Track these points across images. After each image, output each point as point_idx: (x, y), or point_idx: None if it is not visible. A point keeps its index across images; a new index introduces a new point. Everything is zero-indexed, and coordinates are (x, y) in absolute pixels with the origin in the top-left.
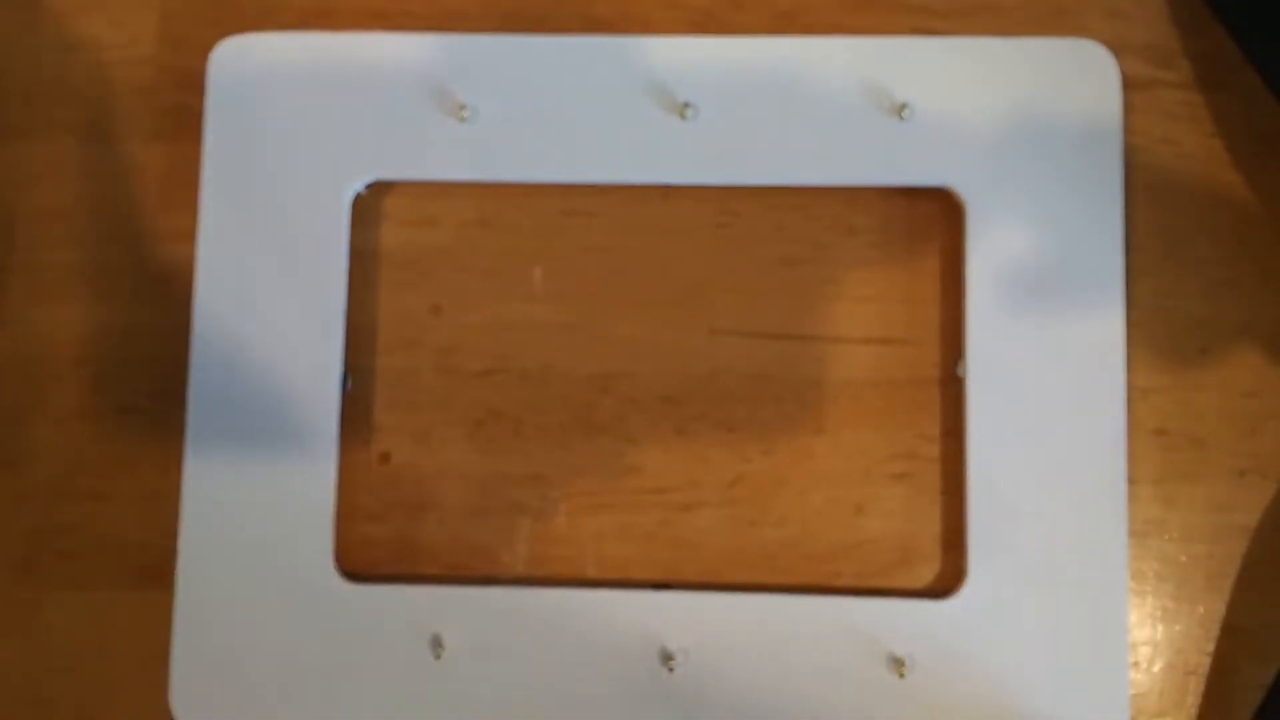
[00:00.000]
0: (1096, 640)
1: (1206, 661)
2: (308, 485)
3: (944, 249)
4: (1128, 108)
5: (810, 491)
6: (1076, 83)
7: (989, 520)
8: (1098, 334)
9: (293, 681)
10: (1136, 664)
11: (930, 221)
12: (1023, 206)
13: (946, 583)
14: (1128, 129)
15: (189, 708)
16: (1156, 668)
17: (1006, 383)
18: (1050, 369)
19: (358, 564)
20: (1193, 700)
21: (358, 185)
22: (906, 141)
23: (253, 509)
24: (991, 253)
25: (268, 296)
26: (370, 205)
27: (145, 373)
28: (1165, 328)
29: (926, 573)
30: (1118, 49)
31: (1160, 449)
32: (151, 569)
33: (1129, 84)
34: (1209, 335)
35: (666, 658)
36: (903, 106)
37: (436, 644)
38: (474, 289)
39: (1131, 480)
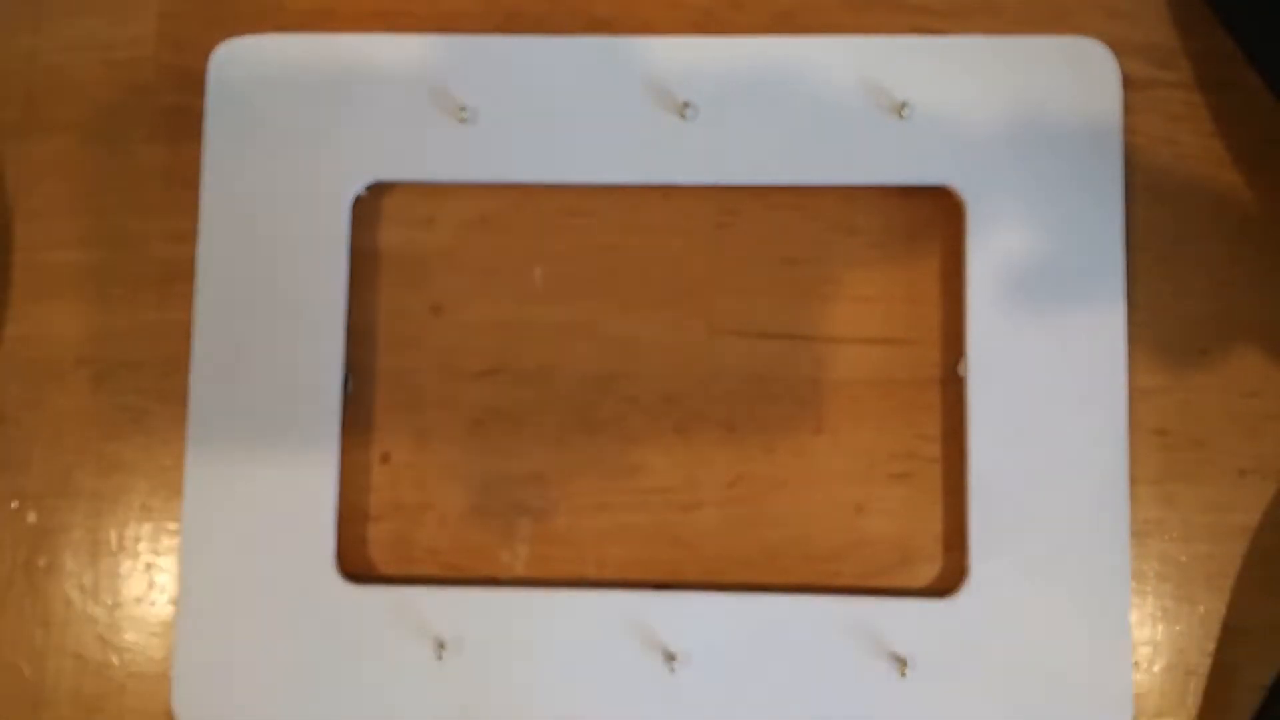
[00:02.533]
0: (1098, 640)
1: (1206, 661)
2: (308, 485)
3: (944, 248)
4: (1128, 108)
5: (810, 491)
6: (1076, 82)
7: (990, 520)
8: (1098, 334)
9: (293, 682)
10: (1137, 664)
11: (930, 221)
12: (1023, 206)
13: (947, 582)
14: (1128, 129)
15: (190, 708)
16: (1157, 668)
17: (1007, 382)
18: (1051, 368)
19: (358, 564)
20: (1193, 700)
21: (358, 186)
22: (906, 141)
23: (253, 509)
24: (992, 252)
25: (268, 297)
26: (370, 206)
27: (145, 373)
28: (1165, 328)
29: (927, 572)
30: (1118, 49)
31: (1161, 449)
32: (152, 569)
33: (1129, 84)
34: (1209, 335)
35: (667, 658)
36: (903, 106)
37: (437, 644)
38: (474, 289)
39: (1132, 480)
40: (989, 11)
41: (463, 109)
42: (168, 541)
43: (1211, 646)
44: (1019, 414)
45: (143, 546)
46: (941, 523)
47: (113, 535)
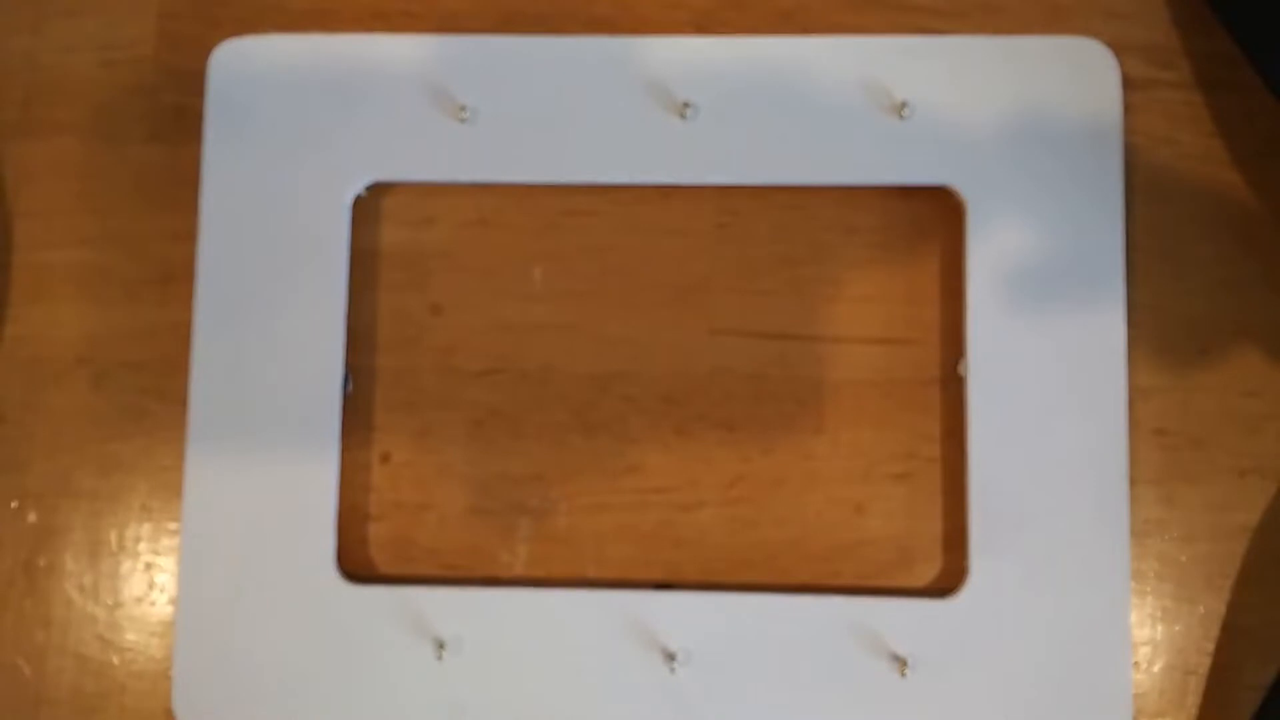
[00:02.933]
0: (1099, 640)
1: (1206, 661)
2: (308, 485)
3: (944, 248)
4: (1128, 108)
5: (810, 491)
6: (1076, 82)
7: (990, 520)
8: (1098, 333)
9: (293, 682)
10: (1137, 664)
11: (930, 221)
12: (1023, 206)
13: (948, 582)
14: (1128, 129)
15: (190, 708)
16: (1156, 668)
17: (1007, 382)
18: (1051, 368)
19: (358, 564)
20: (1193, 700)
21: (358, 187)
22: (906, 141)
23: (253, 509)
24: (992, 252)
25: (268, 297)
26: (370, 206)
27: (145, 373)
28: (1165, 328)
29: (927, 572)
30: (1118, 49)
31: (1161, 449)
32: (152, 569)
33: (1129, 84)
34: (1209, 335)
35: (667, 658)
36: (903, 106)
37: (437, 644)
38: (474, 289)
39: (1132, 480)
40: (989, 11)
41: (463, 109)
42: (168, 541)
43: (1211, 646)
44: (1019, 414)
45: (143, 546)
46: (941, 523)
47: (113, 535)
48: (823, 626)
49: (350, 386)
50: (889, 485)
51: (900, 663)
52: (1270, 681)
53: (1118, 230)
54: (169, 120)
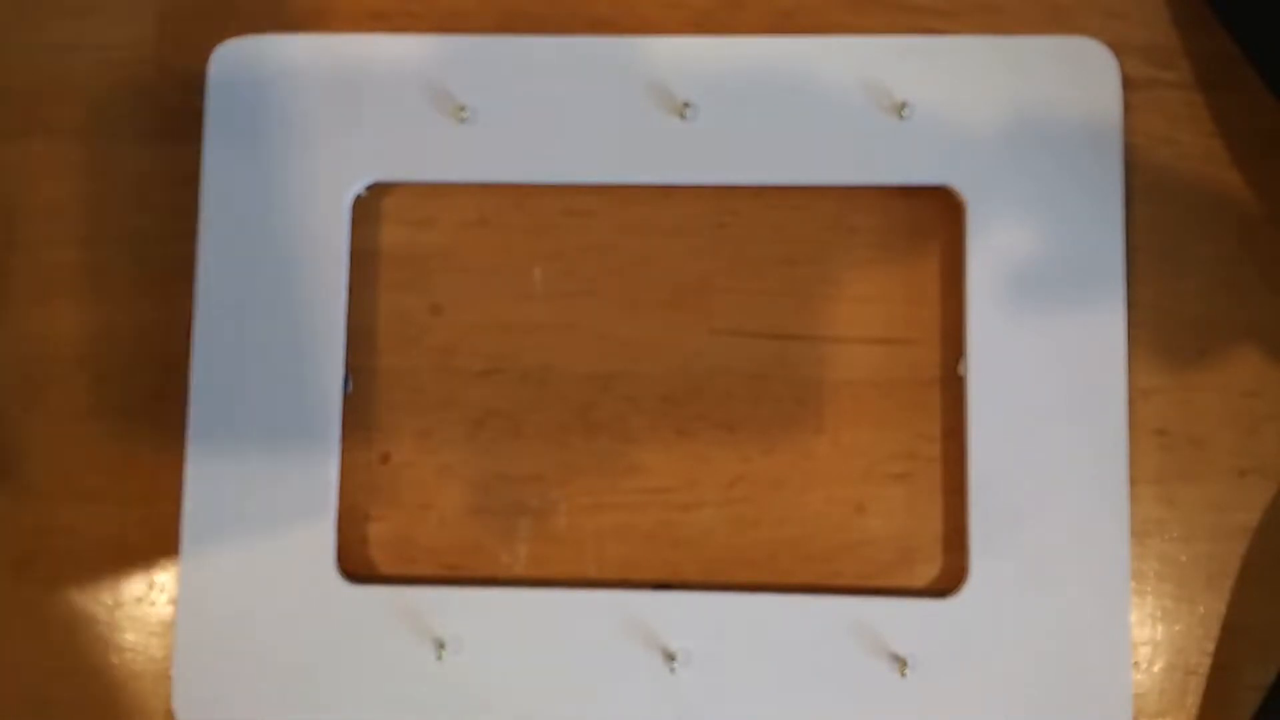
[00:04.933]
0: (1098, 639)
1: (1206, 661)
2: (308, 485)
3: (944, 248)
4: (1128, 108)
5: (810, 491)
6: (1076, 83)
7: (990, 520)
8: (1098, 334)
9: (293, 682)
10: (1136, 664)
11: (930, 221)
12: (1023, 206)
13: (948, 582)
14: (1128, 129)
15: (190, 708)
16: (1156, 668)
17: (1007, 382)
18: (1051, 369)
19: (358, 564)
20: (1193, 700)
21: (358, 187)
22: (906, 141)
23: (253, 509)
24: (992, 252)
25: (268, 297)
26: (370, 206)
27: (145, 373)
28: (1165, 328)
29: (927, 572)
30: (1118, 49)
31: (1160, 449)
32: (152, 569)
33: (1129, 84)
34: (1209, 335)
35: (667, 658)
36: (903, 106)
37: (437, 644)
38: (474, 289)
39: (1132, 480)
40: (988, 11)
41: (463, 109)
42: (168, 541)
43: (1211, 646)
44: (1019, 414)
45: (143, 547)
46: (941, 523)
47: (113, 535)
48: (823, 626)
49: (350, 386)
50: (889, 485)
51: (900, 663)
52: (1270, 681)
53: (1118, 230)
54: (169, 120)
